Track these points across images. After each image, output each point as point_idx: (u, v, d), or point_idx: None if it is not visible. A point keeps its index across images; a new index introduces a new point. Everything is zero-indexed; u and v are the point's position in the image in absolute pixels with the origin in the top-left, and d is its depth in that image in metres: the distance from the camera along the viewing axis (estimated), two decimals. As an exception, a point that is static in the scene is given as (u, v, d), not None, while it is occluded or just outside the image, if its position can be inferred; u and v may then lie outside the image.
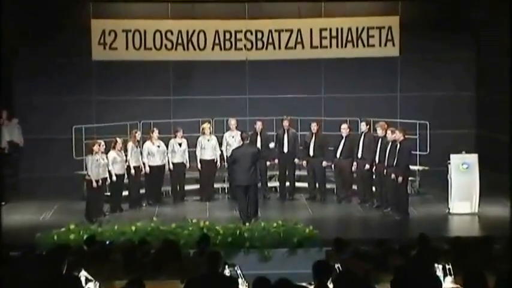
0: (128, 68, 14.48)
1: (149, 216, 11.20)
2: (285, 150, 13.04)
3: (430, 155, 13.24)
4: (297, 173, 13.50)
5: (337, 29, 14.63)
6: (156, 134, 12.62)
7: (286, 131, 13.08)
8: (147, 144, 12.59)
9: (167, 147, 12.81)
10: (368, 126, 12.51)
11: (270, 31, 14.69)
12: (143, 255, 7.72)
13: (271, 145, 13.03)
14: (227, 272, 7.03)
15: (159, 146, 12.65)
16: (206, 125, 13.02)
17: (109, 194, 12.25)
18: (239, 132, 12.94)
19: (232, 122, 13.12)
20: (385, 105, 14.44)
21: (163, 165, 12.71)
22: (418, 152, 13.13)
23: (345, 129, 12.70)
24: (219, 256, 6.36)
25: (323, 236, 9.88)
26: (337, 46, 14.67)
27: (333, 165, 12.83)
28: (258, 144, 12.67)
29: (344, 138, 12.64)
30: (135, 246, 8.05)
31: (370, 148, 12.24)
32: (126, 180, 12.41)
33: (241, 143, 11.72)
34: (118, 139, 12.17)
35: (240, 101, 14.73)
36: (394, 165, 11.44)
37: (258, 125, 13.03)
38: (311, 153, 12.91)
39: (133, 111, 14.09)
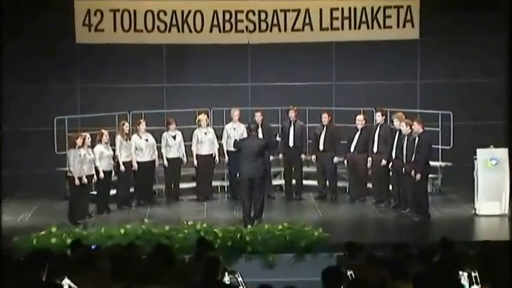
0: (116, 52, 14.47)
1: (140, 217, 11.25)
2: (291, 144, 13.05)
3: (454, 150, 13.24)
4: (305, 169, 13.55)
5: (349, 9, 14.61)
6: (143, 126, 12.66)
7: (292, 122, 13.08)
8: (134, 137, 12.62)
9: (159, 140, 12.84)
10: (384, 117, 12.52)
11: (275, 11, 14.67)
12: (133, 262, 7.68)
13: (278, 138, 13.02)
14: (227, 279, 7.09)
15: (147, 140, 12.69)
16: (203, 116, 13.03)
17: (95, 192, 12.29)
18: (242, 125, 12.95)
19: (236, 112, 13.13)
20: (403, 93, 14.44)
21: (153, 161, 12.74)
22: (440, 146, 13.13)
23: (360, 120, 12.71)
24: (218, 262, 6.36)
25: (334, 239, 9.92)
26: (350, 28, 14.66)
27: (345, 161, 12.84)
28: (260, 136, 12.64)
29: (360, 130, 12.65)
30: (124, 251, 8.02)
31: (386, 142, 12.26)
32: (114, 178, 12.46)
33: (247, 135, 11.68)
34: (104, 131, 12.19)
35: (241, 90, 14.75)
36: (413, 161, 11.44)
37: (258, 116, 13.02)
38: (321, 147, 12.92)
39: (122, 100, 14.10)
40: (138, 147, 12.58)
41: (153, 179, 12.99)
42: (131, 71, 14.55)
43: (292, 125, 13.06)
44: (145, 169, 12.64)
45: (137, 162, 12.54)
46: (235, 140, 11.73)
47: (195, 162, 12.94)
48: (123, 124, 12.55)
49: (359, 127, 12.66)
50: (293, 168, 13.18)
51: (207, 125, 13.06)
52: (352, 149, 12.67)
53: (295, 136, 13.01)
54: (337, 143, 12.91)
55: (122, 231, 10.04)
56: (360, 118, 12.72)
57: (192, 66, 14.76)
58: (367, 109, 13.38)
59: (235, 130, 13.06)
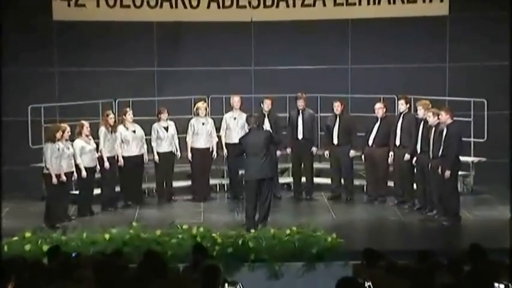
0: (100, 31, 14.45)
1: (127, 220, 11.24)
2: (300, 136, 13.04)
3: (488, 143, 13.23)
4: (316, 165, 13.54)
5: (368, -20, 14.63)
6: (130, 115, 12.65)
7: (301, 111, 13.06)
8: (120, 129, 12.62)
9: (149, 132, 12.86)
10: (408, 106, 12.50)
11: (282, -17, 14.69)
12: (119, 271, 7.71)
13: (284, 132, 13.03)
14: (227, 292, 7.03)
15: (134, 131, 12.70)
16: (202, 105, 13.04)
17: (76, 192, 12.29)
18: (243, 114, 12.94)
19: (236, 99, 13.12)
20: (430, 78, 14.40)
21: (142, 156, 12.75)
22: (471, 139, 13.11)
23: (380, 108, 12.69)
24: (216, 272, 6.34)
25: (350, 246, 9.92)
26: (369, 3, 14.62)
27: (362, 156, 12.80)
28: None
29: (379, 121, 12.63)
30: (108, 260, 8.03)
31: (410, 134, 12.23)
32: (97, 175, 12.46)
33: (249, 128, 11.54)
34: (85, 122, 12.17)
35: (244, 74, 14.72)
36: (441, 156, 11.40)
37: (266, 104, 13.01)
38: (335, 140, 12.91)
39: (107, 86, 14.10)
40: (125, 139, 12.58)
41: (142, 177, 13.00)
42: (117, 52, 14.51)
43: (301, 114, 13.04)
44: (133, 165, 12.64)
45: (123, 157, 12.55)
46: (239, 141, 11.56)
47: (189, 155, 12.91)
48: (108, 114, 12.53)
49: (379, 116, 12.65)
50: (302, 164, 13.17)
51: (206, 114, 13.02)
52: (370, 142, 12.65)
53: (304, 127, 13.00)
54: (353, 135, 12.91)
55: (107, 236, 10.03)
56: (379, 106, 12.69)
57: (187, 48, 14.73)
58: (388, 96, 13.36)
59: (236, 120, 13.06)
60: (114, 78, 14.34)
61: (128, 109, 12.77)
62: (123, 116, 12.66)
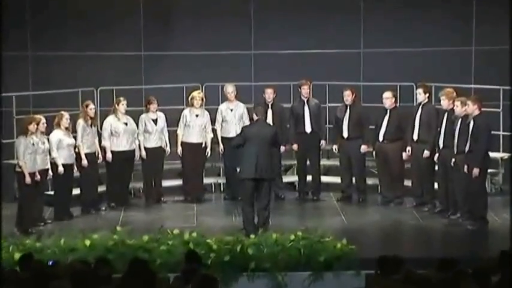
0: (79, 9, 14.43)
1: (111, 225, 11.24)
2: (307, 129, 13.03)
3: (519, 137, 13.19)
4: (324, 162, 13.55)
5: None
6: (123, 105, 12.65)
7: (306, 101, 13.02)
8: (110, 119, 12.61)
9: (137, 125, 12.86)
10: (428, 95, 12.48)
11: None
12: (101, 282, 7.70)
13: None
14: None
15: (126, 124, 12.66)
16: (197, 94, 13.03)
17: (52, 193, 12.27)
18: (241, 104, 12.92)
19: (229, 89, 13.11)
20: (453, 63, 14.41)
21: (133, 151, 12.74)
22: (501, 132, 13.08)
23: (388, 99, 12.66)
24: (212, 283, 6.31)
25: (362, 253, 9.91)
26: (384, -22, 14.65)
27: (374, 153, 12.85)
28: (269, 121, 12.63)
29: (388, 112, 12.61)
30: (89, 269, 8.02)
31: (430, 127, 12.22)
32: (77, 174, 12.44)
33: (257, 119, 11.46)
34: (64, 113, 12.11)
35: (242, 59, 14.71)
36: (467, 152, 11.38)
37: (268, 93, 12.99)
38: (345, 133, 12.90)
39: (87, 73, 14.10)
40: (115, 132, 12.59)
41: (130, 175, 13.01)
42: (99, 34, 14.50)
43: (306, 104, 13.01)
44: (122, 161, 12.65)
45: (112, 152, 12.54)
46: (242, 130, 11.51)
47: (180, 150, 12.91)
48: (87, 105, 12.49)
49: (386, 107, 12.65)
50: (308, 161, 13.14)
51: (202, 104, 13.01)
52: (381, 137, 12.66)
53: (311, 119, 12.97)
54: (366, 128, 12.91)
55: (87, 242, 10.00)
56: (387, 96, 12.66)
57: (179, 29, 14.74)
58: (405, 84, 13.36)
59: (233, 112, 13.05)
60: (95, 64, 14.33)
61: (121, 98, 12.74)
62: (116, 106, 12.64)
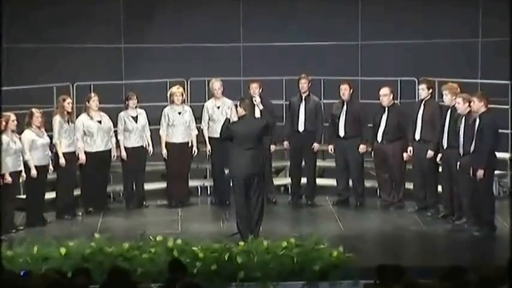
0: (54, -2, 14.44)
1: (88, 231, 11.26)
2: (301, 128, 13.05)
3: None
4: (319, 163, 13.53)
5: None
6: (95, 102, 12.60)
7: (304, 98, 13.03)
8: (82, 118, 12.59)
9: (115, 123, 12.84)
10: (430, 91, 12.50)
11: None
12: (78, 293, 7.69)
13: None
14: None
15: (100, 122, 12.65)
16: (176, 90, 13.00)
17: (24, 197, 12.23)
18: (228, 100, 12.94)
19: (216, 85, 13.09)
20: (458, 56, 14.43)
21: (109, 152, 12.72)
22: (509, 131, 13.08)
23: (386, 95, 12.67)
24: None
25: (360, 262, 9.89)
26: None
27: (372, 153, 12.86)
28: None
29: (386, 110, 12.62)
30: (65, 280, 7.99)
31: (434, 125, 12.25)
32: (52, 176, 12.46)
33: (244, 114, 11.41)
34: (34, 110, 12.08)
35: (231, 52, 14.72)
36: (472, 152, 11.39)
37: (253, 88, 12.95)
38: (341, 132, 12.92)
39: (63, 67, 14.08)
40: (88, 131, 12.55)
41: (107, 178, 13.01)
42: (76, 25, 14.49)
43: (304, 101, 13.01)
44: (97, 163, 12.63)
45: (86, 153, 12.51)
46: (225, 122, 11.55)
47: (164, 152, 12.89)
48: (64, 99, 12.46)
49: (384, 104, 12.66)
50: (303, 162, 13.14)
51: (184, 101, 13.01)
52: (379, 138, 12.67)
53: (307, 117, 12.98)
54: (364, 126, 12.92)
55: (63, 251, 9.98)
56: (384, 93, 12.66)
57: (162, 20, 14.73)
58: (406, 79, 13.36)
59: (220, 109, 13.04)
60: (71, 58, 14.35)
61: (92, 94, 12.72)
62: (87, 103, 12.60)
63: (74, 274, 8.17)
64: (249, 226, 11.04)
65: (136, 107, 12.91)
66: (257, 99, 12.78)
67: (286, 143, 13.17)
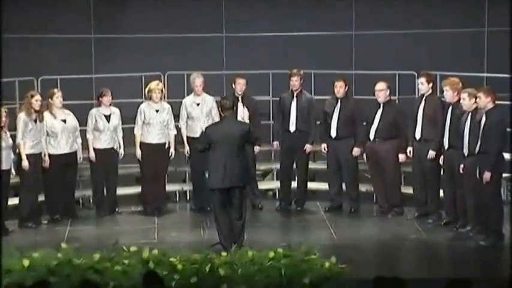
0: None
1: (54, 241, 11.24)
2: (292, 127, 13.06)
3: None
4: (311, 165, 13.53)
5: None
6: (58, 99, 12.56)
7: (295, 94, 13.00)
8: (45, 117, 12.51)
9: (85, 122, 12.80)
10: (431, 86, 12.50)
11: None
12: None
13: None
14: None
15: (64, 121, 12.62)
16: (155, 86, 12.97)
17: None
18: (209, 97, 12.94)
19: (197, 81, 13.07)
20: (462, 47, 14.55)
21: (74, 153, 12.70)
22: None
23: (382, 91, 12.67)
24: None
25: (355, 273, 9.84)
26: None
27: (364, 154, 12.89)
28: (240, 117, 12.65)
29: (382, 106, 12.65)
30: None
31: (435, 123, 12.25)
32: (14, 180, 12.41)
33: (224, 115, 11.38)
34: (-1, 109, 12.09)
35: (213, 43, 14.79)
36: (478, 152, 11.38)
37: (240, 85, 12.95)
38: (333, 132, 12.91)
39: (27, 59, 14.16)
40: (51, 132, 12.51)
41: (75, 182, 12.97)
42: (41, 13, 14.55)
43: (295, 98, 12.98)
44: (63, 166, 12.58)
45: (49, 156, 12.46)
46: (202, 131, 11.48)
47: (139, 153, 12.84)
48: (33, 96, 12.40)
49: (380, 101, 12.67)
50: (294, 164, 13.13)
51: (162, 97, 12.98)
52: (371, 135, 12.66)
53: (299, 116, 12.97)
54: (359, 126, 12.93)
55: (26, 262, 9.85)
56: (380, 88, 12.64)
57: (136, 8, 14.84)
58: (405, 73, 13.38)
59: (200, 106, 13.02)
60: (36, 49, 14.43)
61: (55, 90, 12.66)
62: (50, 100, 12.54)
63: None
64: (231, 238, 11.01)
65: (110, 105, 12.86)
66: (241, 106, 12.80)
67: (276, 144, 13.19)
